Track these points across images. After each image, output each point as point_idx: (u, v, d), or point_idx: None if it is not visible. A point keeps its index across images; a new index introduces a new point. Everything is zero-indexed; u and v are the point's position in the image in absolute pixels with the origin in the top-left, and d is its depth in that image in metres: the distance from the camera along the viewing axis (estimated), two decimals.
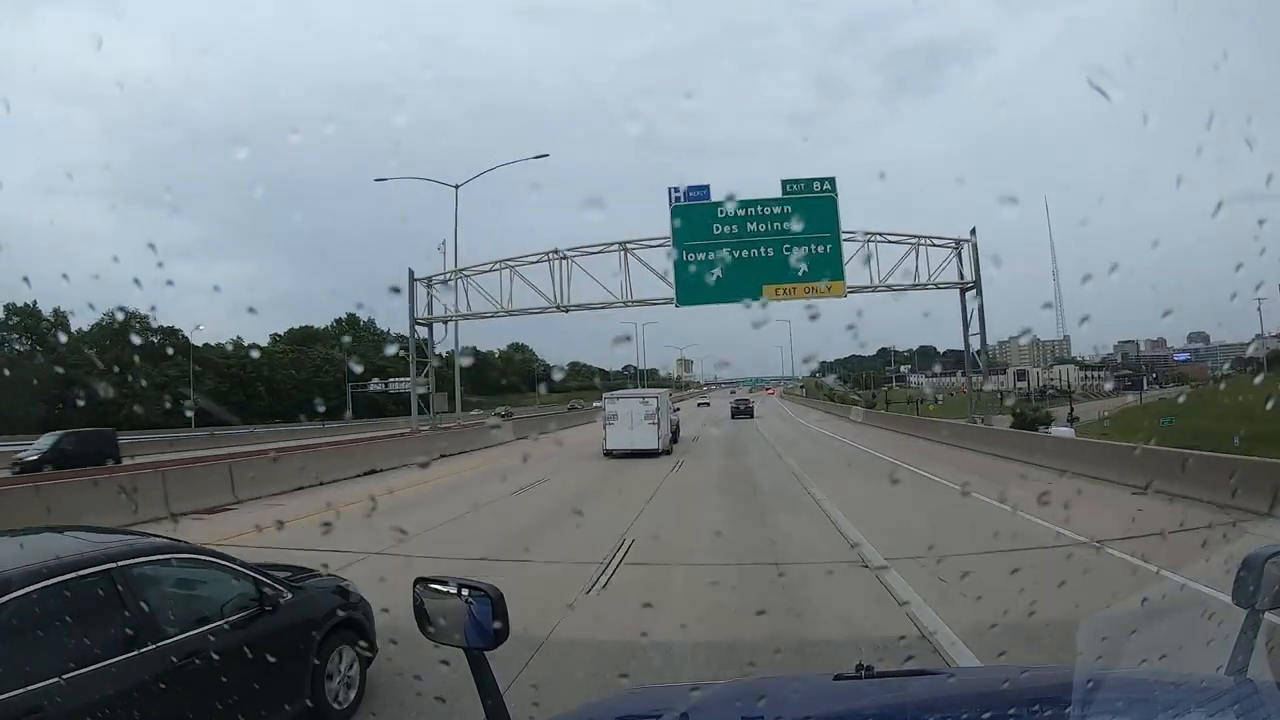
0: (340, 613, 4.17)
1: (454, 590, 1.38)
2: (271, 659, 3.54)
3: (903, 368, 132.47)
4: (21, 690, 2.50)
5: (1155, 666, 1.56)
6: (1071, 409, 56.84)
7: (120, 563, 3.07)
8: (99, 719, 2.69)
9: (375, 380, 70.36)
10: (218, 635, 3.33)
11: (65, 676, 2.64)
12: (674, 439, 22.60)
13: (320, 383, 68.72)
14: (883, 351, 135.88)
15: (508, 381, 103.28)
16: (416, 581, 1.44)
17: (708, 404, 71.00)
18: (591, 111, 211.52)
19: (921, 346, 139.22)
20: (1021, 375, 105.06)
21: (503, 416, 45.04)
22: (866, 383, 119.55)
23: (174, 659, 3.04)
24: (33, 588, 2.72)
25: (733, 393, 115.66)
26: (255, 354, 72.73)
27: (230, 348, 67.59)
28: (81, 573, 2.92)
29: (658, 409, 20.18)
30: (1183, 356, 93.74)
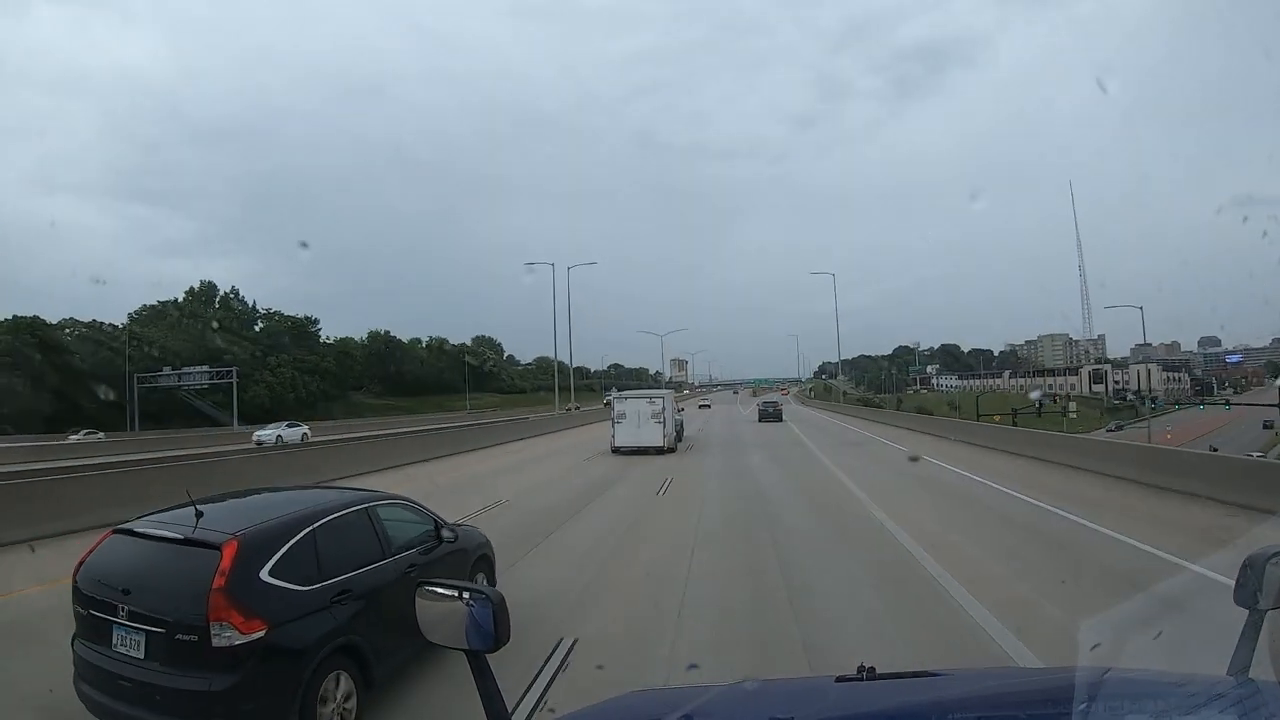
0: (480, 550, 6.11)
1: (455, 594, 1.51)
2: (445, 574, 5.30)
3: (929, 368, 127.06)
4: (345, 584, 4.24)
5: (1157, 667, 1.67)
6: None
7: (368, 504, 4.90)
8: (371, 601, 4.39)
9: (166, 369, 54.65)
10: (419, 554, 5.11)
11: (355, 572, 4.38)
12: (678, 438, 25.23)
13: (110, 375, 51.70)
14: (901, 350, 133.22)
15: (427, 378, 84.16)
16: (418, 585, 1.58)
17: (709, 405, 72.52)
18: (588, 110, 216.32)
19: (944, 345, 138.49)
20: (1098, 378, 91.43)
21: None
22: (885, 385, 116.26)
23: (401, 567, 4.81)
24: (328, 519, 4.45)
25: (735, 393, 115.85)
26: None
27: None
28: (352, 509, 4.73)
29: (663, 408, 22.95)
30: (1235, 359, 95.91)
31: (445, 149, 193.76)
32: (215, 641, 3.51)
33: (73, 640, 4.01)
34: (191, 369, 56.54)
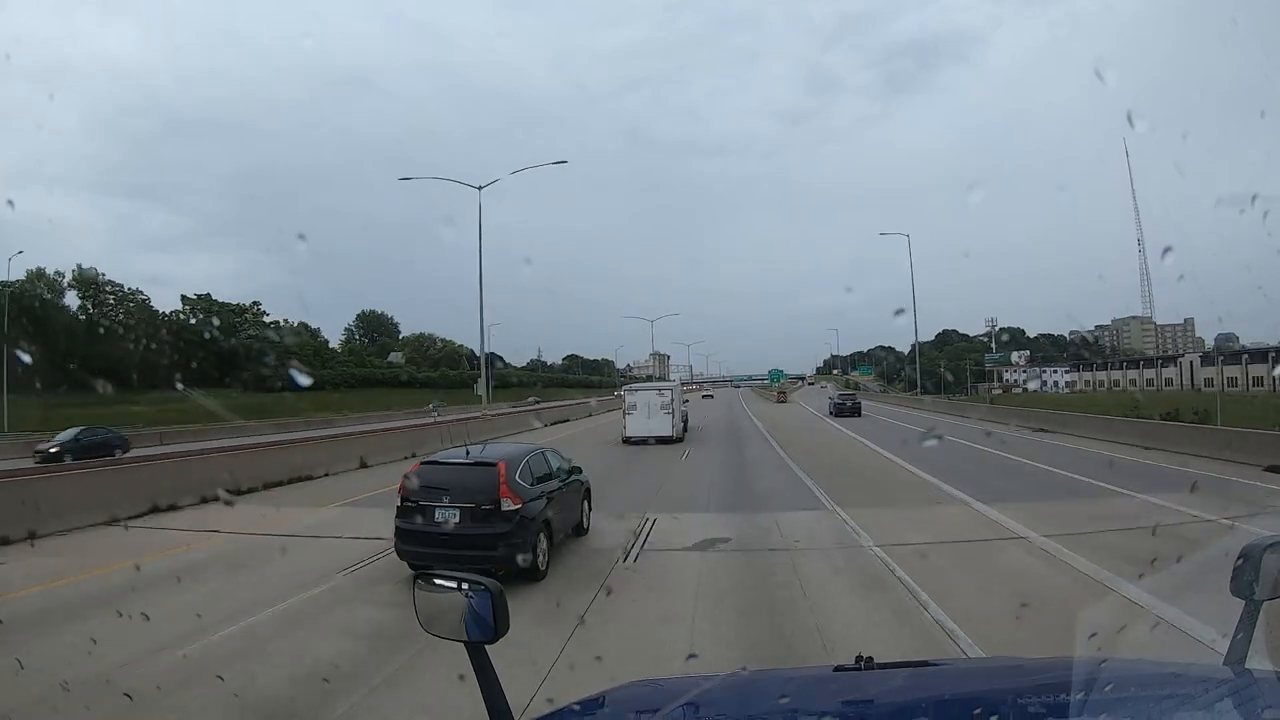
0: (587, 484, 10.73)
1: (454, 585, 1.63)
2: (575, 496, 10.16)
3: (1015, 355, 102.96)
4: (542, 487, 8.89)
5: (1154, 657, 1.89)
6: None
7: (542, 449, 9.70)
8: (550, 501, 8.95)
9: None
10: (560, 481, 9.69)
11: (544, 485, 9.02)
12: (684, 428, 28.51)
13: None
14: (948, 335, 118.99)
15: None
16: (416, 576, 1.73)
17: (711, 396, 79.41)
18: (579, 104, 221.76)
19: (1005, 328, 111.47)
20: None
21: None
22: (941, 382, 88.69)
23: (556, 487, 9.41)
24: (529, 455, 9.18)
25: (737, 387, 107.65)
26: None
27: None
28: (535, 450, 9.51)
29: (672, 399, 26.60)
30: None
31: (434, 143, 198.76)
32: (503, 508, 8.07)
33: (395, 518, 8.43)
34: None
